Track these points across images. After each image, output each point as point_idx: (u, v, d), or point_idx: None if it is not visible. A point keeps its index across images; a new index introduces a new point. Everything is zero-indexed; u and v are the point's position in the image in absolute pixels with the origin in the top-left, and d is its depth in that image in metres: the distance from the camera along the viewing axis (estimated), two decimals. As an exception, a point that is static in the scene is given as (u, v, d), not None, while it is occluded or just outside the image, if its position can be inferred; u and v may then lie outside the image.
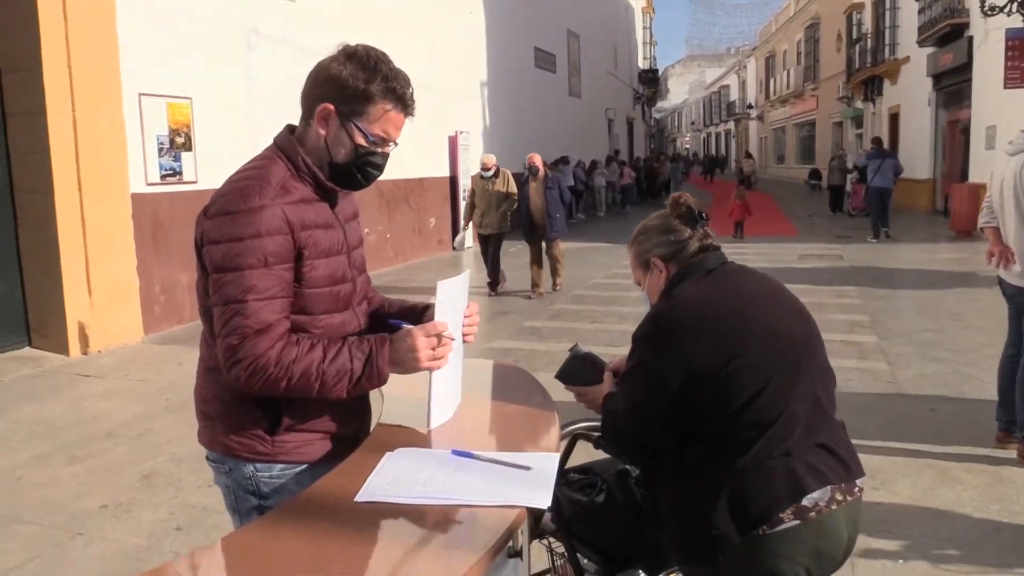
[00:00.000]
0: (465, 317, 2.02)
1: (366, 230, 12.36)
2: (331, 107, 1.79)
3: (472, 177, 10.58)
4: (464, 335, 2.03)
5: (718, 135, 69.97)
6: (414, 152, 12.84)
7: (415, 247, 14.02)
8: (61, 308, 7.44)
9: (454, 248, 13.93)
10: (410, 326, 1.82)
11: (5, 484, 4.47)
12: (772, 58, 46.80)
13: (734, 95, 61.48)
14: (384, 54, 1.83)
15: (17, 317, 7.63)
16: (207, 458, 1.96)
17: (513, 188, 9.97)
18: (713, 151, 67.32)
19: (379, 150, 1.85)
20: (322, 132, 1.81)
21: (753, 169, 36.01)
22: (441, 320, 1.82)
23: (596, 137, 28.87)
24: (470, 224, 10.60)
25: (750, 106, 53.59)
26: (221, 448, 1.87)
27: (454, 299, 1.96)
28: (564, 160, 20.30)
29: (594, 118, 28.84)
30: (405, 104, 1.83)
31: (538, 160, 9.99)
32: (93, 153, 7.60)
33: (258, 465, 1.83)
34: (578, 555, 2.60)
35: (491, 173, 9.98)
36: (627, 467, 2.54)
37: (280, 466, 1.84)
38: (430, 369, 1.82)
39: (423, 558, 1.46)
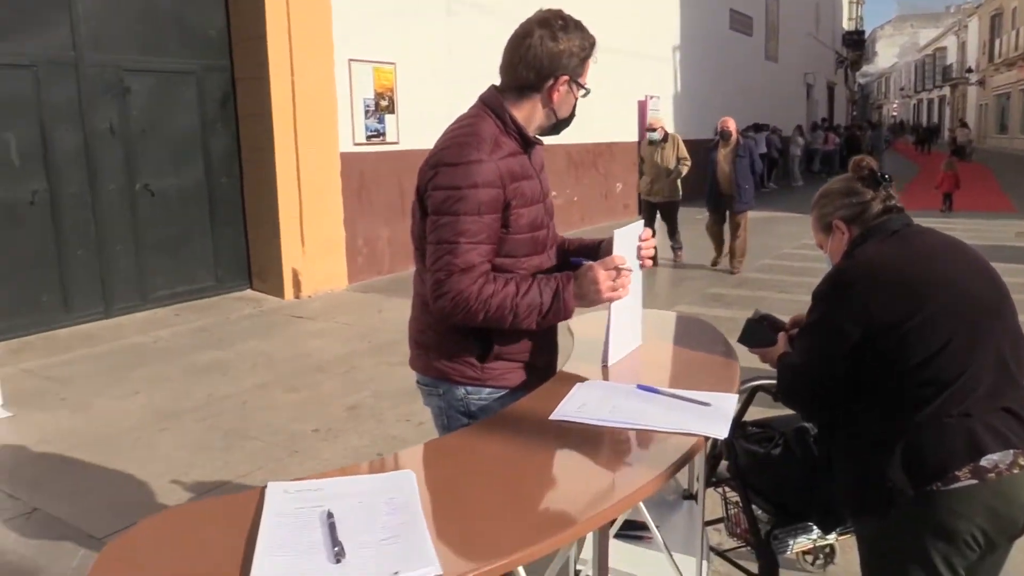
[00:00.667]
0: (641, 241, 2.16)
1: (554, 193, 12.64)
2: (567, 76, 2.00)
3: (641, 143, 10.20)
4: (642, 260, 2.17)
5: (930, 102, 64.71)
6: (603, 116, 12.90)
7: (601, 211, 14.15)
8: (278, 256, 8.23)
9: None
10: (591, 262, 1.99)
11: (234, 406, 5.09)
12: (999, 16, 42.56)
13: (951, 58, 56.56)
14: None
15: (240, 262, 8.52)
16: (419, 382, 2.21)
17: (684, 153, 9.56)
18: (924, 119, 62.38)
19: (584, 95, 2.09)
20: (555, 99, 2.02)
21: (968, 139, 33.16)
22: (619, 255, 1.98)
23: (793, 103, 27.61)
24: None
25: (969, 70, 49.16)
26: (435, 373, 2.11)
27: (630, 246, 2.11)
28: (758, 127, 19.62)
29: (791, 83, 27.59)
30: (595, 51, 2.07)
31: (731, 125, 9.41)
32: (308, 115, 8.29)
33: (469, 388, 2.07)
34: (752, 505, 2.69)
35: (660, 137, 9.57)
36: (806, 425, 2.59)
37: (488, 390, 2.07)
38: (611, 300, 1.99)
39: (605, 470, 1.64)
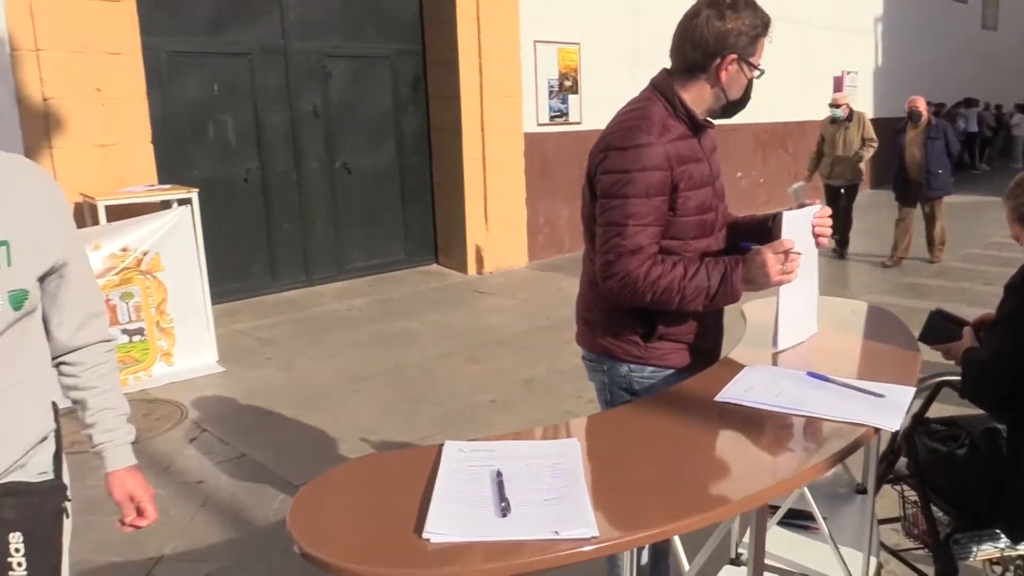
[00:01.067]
0: (816, 217, 2.12)
1: (739, 174, 12.28)
2: (735, 56, 1.99)
3: (821, 122, 9.40)
4: (817, 237, 2.13)
5: None
6: (794, 95, 12.37)
7: (788, 194, 13.59)
8: (463, 233, 8.58)
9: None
10: (759, 246, 1.98)
11: (418, 372, 5.41)
12: None
13: None
14: None
15: (428, 238, 8.95)
16: (584, 358, 2.30)
17: (870, 134, 8.81)
18: None
19: (757, 77, 2.07)
20: (723, 79, 2.02)
21: None
22: (788, 239, 1.96)
23: (1014, 76, 25.15)
24: (813, 175, 9.39)
25: None
26: (600, 349, 2.19)
27: (801, 230, 2.08)
28: (968, 102, 18.06)
29: (1013, 54, 25.10)
30: (768, 31, 2.03)
31: (921, 104, 8.57)
32: (494, 96, 8.54)
33: (632, 366, 2.13)
34: (932, 506, 2.57)
35: (844, 115, 8.85)
36: (998, 426, 2.45)
37: (651, 368, 2.12)
38: (780, 284, 1.97)
39: (766, 453, 1.65)
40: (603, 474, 1.51)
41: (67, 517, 1.55)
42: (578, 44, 9.52)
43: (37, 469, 1.53)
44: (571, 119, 9.54)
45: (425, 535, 1.28)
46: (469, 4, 8.23)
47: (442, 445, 1.58)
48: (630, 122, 2.01)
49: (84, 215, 5.65)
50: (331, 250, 8.09)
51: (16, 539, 1.40)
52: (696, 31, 2.00)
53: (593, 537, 1.28)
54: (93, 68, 5.84)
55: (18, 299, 1.42)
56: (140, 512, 1.69)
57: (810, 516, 2.37)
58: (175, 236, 5.38)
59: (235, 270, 7.28)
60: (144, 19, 6.18)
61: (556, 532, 1.29)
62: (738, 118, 2.18)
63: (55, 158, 5.74)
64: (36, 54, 5.61)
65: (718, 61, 2.00)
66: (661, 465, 1.57)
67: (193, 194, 5.60)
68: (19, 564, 1.40)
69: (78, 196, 5.69)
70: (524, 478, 1.45)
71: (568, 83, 9.49)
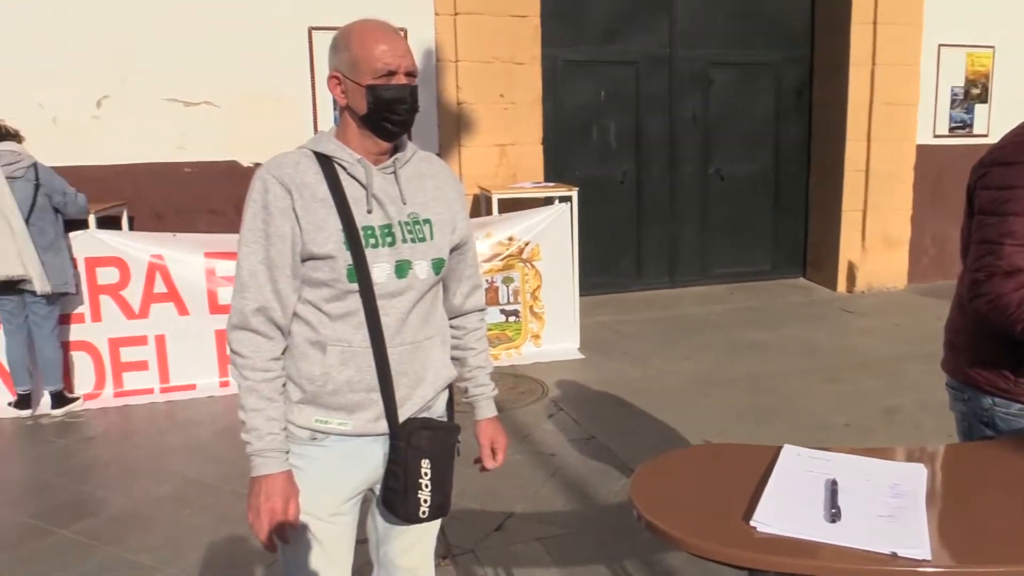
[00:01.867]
0: None
1: None
2: None
3: None
4: None
5: None
6: None
7: None
8: (836, 247, 8.17)
9: None
10: None
11: (772, 385, 5.32)
12: None
13: None
14: None
15: (797, 250, 8.66)
16: (947, 385, 2.17)
17: None
18: None
19: None
20: None
21: None
22: None
23: None
24: None
25: None
26: (963, 377, 2.05)
27: None
28: None
29: None
30: None
31: None
32: (885, 105, 7.98)
33: (997, 399, 1.95)
34: None
35: None
36: None
37: (1019, 405, 1.92)
38: None
39: None
40: (948, 504, 1.45)
41: (457, 455, 1.85)
42: (992, 47, 8.54)
43: (437, 412, 1.86)
44: (976, 131, 8.60)
45: (752, 523, 1.35)
46: (866, 7, 7.80)
47: (781, 447, 1.63)
48: (1022, 136, 1.86)
49: (480, 206, 6.41)
50: (696, 255, 8.21)
51: (426, 465, 1.73)
52: None
53: (926, 560, 1.25)
54: (499, 76, 6.58)
55: (438, 266, 1.77)
56: (494, 455, 1.97)
57: None
58: (554, 230, 5.88)
59: (603, 266, 7.71)
60: (546, 32, 6.80)
61: (894, 552, 1.28)
62: None
63: (462, 155, 6.57)
64: (455, 64, 6.46)
65: None
66: (1018, 506, 1.46)
67: (573, 192, 6.06)
68: (425, 485, 1.73)
69: (476, 189, 6.46)
70: (859, 491, 1.45)
71: (976, 91, 8.57)
